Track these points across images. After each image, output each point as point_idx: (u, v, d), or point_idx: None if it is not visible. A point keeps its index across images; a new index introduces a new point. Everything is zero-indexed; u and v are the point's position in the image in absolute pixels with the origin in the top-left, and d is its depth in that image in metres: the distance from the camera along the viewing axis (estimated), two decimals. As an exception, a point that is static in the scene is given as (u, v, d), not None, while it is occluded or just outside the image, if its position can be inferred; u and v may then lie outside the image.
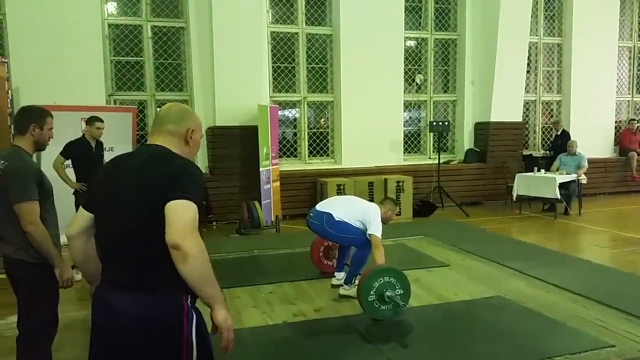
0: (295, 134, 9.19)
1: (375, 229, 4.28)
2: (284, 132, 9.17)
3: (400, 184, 8.44)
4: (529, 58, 10.00)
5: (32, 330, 2.72)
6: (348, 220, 4.43)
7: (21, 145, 2.65)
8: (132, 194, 1.75)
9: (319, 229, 4.55)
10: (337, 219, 4.42)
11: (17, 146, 2.65)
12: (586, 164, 8.66)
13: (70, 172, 5.38)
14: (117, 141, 6.67)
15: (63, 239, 6.28)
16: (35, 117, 2.66)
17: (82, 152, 5.28)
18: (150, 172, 1.76)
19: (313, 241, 5.10)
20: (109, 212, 1.80)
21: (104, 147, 5.62)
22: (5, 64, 6.43)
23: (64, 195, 5.45)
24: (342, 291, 4.50)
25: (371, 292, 3.88)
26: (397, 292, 3.91)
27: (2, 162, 2.61)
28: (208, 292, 1.70)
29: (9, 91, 6.41)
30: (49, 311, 2.75)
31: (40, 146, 2.74)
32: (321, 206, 4.64)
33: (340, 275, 4.71)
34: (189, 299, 1.77)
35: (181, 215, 1.64)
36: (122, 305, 1.72)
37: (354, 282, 4.40)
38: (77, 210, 6.20)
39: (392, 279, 3.92)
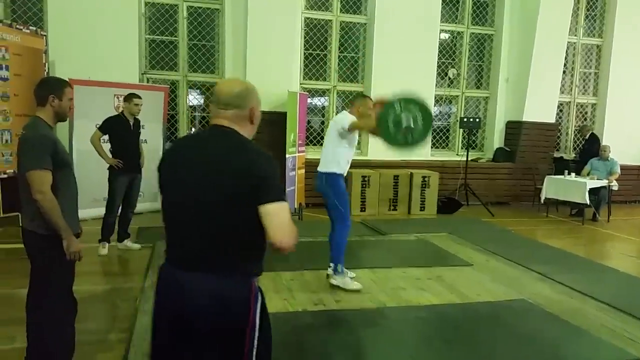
0: (322, 123, 9.15)
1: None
2: (312, 120, 9.14)
3: (426, 179, 8.36)
4: (565, 58, 9.76)
5: (44, 310, 2.62)
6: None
7: (41, 116, 2.66)
8: (217, 180, 1.75)
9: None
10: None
11: (36, 117, 2.66)
12: (619, 170, 8.43)
13: (107, 148, 5.44)
14: (147, 119, 6.72)
15: (87, 213, 6.30)
16: (53, 88, 2.67)
17: (120, 129, 5.33)
18: (232, 160, 1.77)
19: None
20: (190, 191, 1.78)
21: (140, 124, 5.66)
22: (44, 38, 6.52)
23: (98, 169, 5.54)
24: (332, 281, 4.46)
25: (394, 111, 3.90)
26: (417, 123, 3.94)
27: (23, 131, 2.64)
28: None
29: (46, 64, 6.52)
30: (60, 289, 2.66)
31: (61, 117, 2.74)
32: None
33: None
34: (257, 280, 1.85)
35: (283, 218, 1.73)
36: (193, 284, 1.74)
37: (340, 270, 4.40)
38: (111, 185, 6.18)
39: (417, 111, 3.96)
